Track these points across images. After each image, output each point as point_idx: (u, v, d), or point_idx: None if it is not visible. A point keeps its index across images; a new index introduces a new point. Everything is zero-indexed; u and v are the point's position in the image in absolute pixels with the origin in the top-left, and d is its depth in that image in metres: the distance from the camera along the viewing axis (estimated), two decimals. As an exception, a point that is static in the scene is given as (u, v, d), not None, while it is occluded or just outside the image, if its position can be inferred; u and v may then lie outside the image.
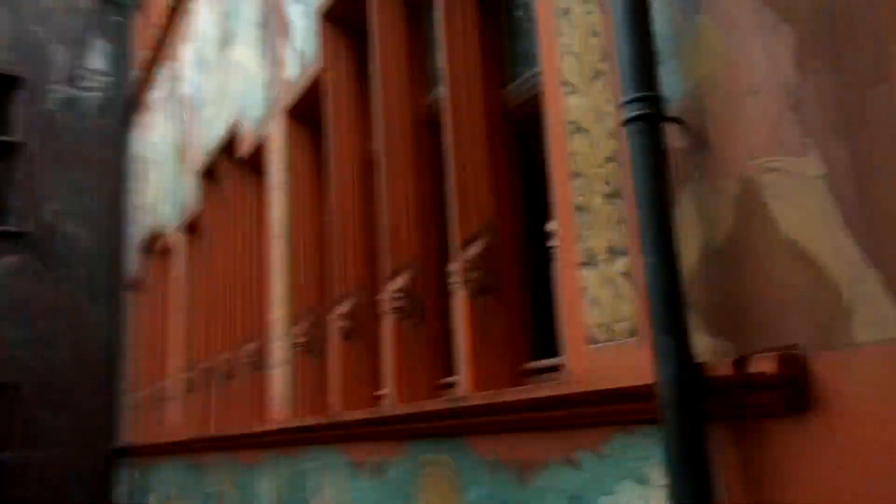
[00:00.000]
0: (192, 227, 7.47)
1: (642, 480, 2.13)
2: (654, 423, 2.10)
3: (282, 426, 4.62)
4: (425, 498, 3.27)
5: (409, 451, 3.43)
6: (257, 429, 5.03)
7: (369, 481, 3.75)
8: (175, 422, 7.28)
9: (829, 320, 1.65)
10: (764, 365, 1.68)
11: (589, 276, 2.37)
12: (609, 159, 2.31)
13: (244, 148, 5.99)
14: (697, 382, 1.81)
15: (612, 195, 2.29)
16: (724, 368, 1.77)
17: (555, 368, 2.86)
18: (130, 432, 9.43)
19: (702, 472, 1.78)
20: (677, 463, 1.79)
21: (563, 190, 2.52)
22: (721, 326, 1.90)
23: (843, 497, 1.61)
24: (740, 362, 1.72)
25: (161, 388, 7.93)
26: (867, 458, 1.56)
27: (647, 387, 2.03)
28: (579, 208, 2.44)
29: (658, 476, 2.07)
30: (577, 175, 2.46)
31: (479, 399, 2.78)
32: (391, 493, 3.54)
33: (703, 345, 1.92)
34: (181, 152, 8.07)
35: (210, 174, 6.93)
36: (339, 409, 4.14)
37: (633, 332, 2.18)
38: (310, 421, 4.28)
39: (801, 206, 1.72)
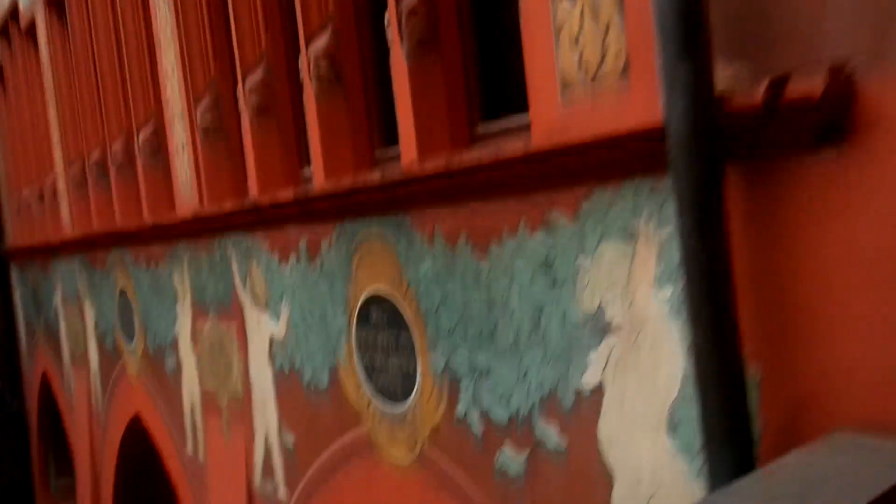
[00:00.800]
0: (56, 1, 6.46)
1: (629, 237, 1.91)
2: (645, 173, 1.85)
3: (196, 214, 4.23)
4: (364, 279, 3.03)
5: (342, 231, 3.14)
6: (167, 219, 4.62)
7: (300, 267, 3.47)
8: (70, 219, 6.73)
9: (887, 26, 1.36)
10: (805, 86, 1.40)
11: (565, 9, 1.99)
12: None
13: None
14: (717, 115, 1.53)
15: None
16: (750, 96, 1.49)
17: (513, 130, 2.53)
18: (20, 234, 8.78)
19: (718, 222, 1.55)
20: (689, 214, 1.55)
21: None
22: (743, 48, 1.59)
23: (877, 241, 1.42)
24: (776, 85, 1.43)
25: (50, 185, 7.26)
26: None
27: (641, 132, 1.75)
28: (554, -77, 2.00)
29: (649, 231, 1.85)
30: None
31: (431, 165, 2.46)
32: (326, 277, 3.29)
33: (718, 72, 1.61)
34: None
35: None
36: (257, 192, 3.76)
37: (622, 71, 1.85)
38: (228, 207, 3.90)
39: None
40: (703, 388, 1.57)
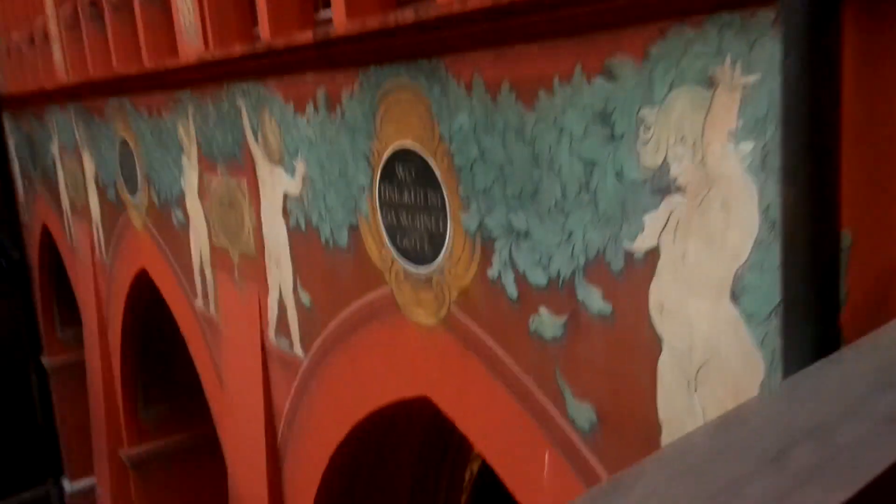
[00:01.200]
0: None
1: (706, 85, 1.71)
2: (733, 7, 1.62)
3: (201, 59, 3.95)
4: (390, 132, 2.83)
5: (366, 79, 2.91)
6: (169, 64, 4.33)
7: (318, 118, 3.26)
8: (64, 64, 6.39)
9: None
10: None
11: None
12: None
13: None
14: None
15: None
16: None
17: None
18: (12, 81, 8.41)
19: (831, 65, 1.35)
20: (798, 55, 1.35)
21: None
22: None
23: None
24: None
25: (41, 27, 6.85)
26: None
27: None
28: None
29: (733, 77, 1.65)
30: None
31: (474, 2, 2.20)
32: (347, 129, 3.08)
33: None
34: None
35: None
36: (269, 34, 3.47)
37: None
38: (237, 51, 3.63)
39: None
40: (790, 253, 1.43)
